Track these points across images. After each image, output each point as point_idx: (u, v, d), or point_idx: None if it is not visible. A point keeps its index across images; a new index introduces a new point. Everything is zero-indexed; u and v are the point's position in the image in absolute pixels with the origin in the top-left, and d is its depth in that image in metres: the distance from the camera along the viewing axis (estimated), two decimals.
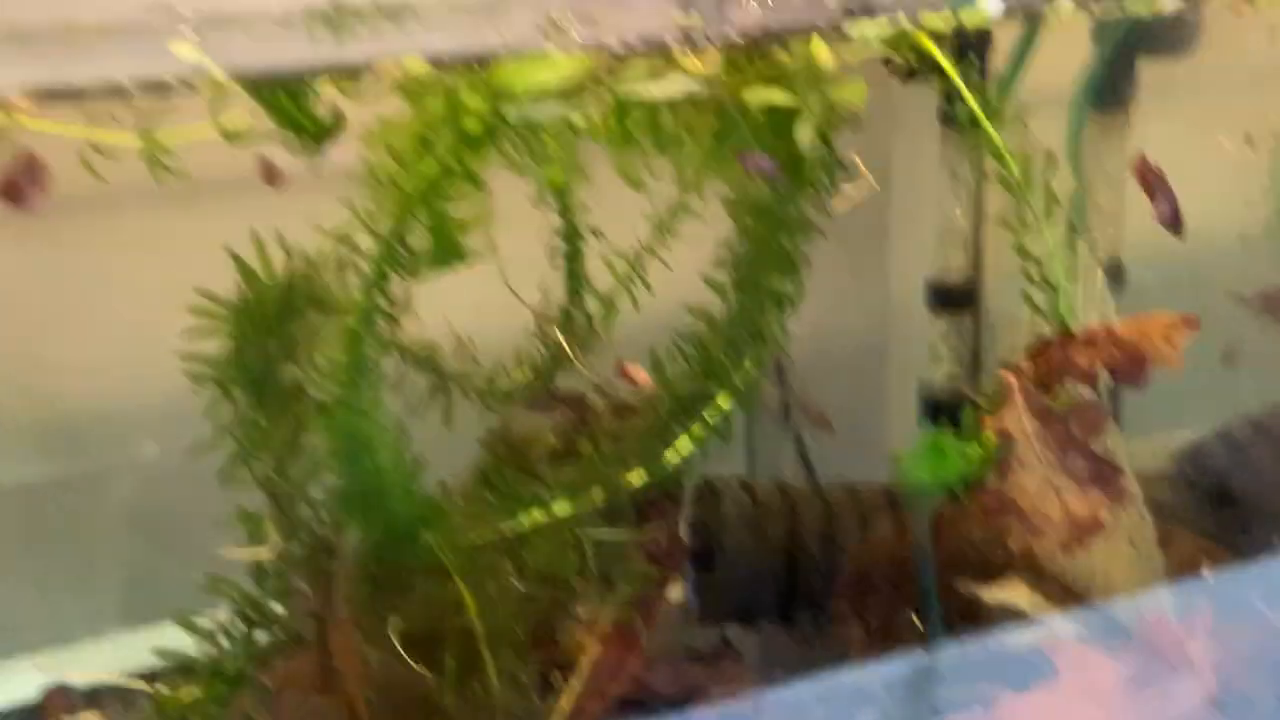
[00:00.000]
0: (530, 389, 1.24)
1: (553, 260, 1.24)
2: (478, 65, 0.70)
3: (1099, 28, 1.14)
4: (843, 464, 1.33)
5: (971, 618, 1.25)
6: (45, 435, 1.35)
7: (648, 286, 1.23)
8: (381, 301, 0.92)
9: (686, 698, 1.12)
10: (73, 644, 1.27)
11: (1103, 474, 0.89)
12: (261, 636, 0.96)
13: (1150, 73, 1.17)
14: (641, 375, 1.17)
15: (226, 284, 1.01)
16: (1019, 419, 0.87)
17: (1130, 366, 0.87)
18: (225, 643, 0.95)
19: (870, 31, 0.74)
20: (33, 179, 0.78)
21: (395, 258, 0.85)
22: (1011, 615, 1.26)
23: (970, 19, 0.76)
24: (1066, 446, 0.88)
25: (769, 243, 1.10)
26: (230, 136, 1.01)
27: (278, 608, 0.95)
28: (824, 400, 1.43)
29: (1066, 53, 1.17)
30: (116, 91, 0.74)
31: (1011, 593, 1.28)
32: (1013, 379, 0.88)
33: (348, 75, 0.77)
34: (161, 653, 0.93)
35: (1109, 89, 1.15)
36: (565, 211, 1.22)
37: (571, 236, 1.23)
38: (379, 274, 0.89)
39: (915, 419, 1.28)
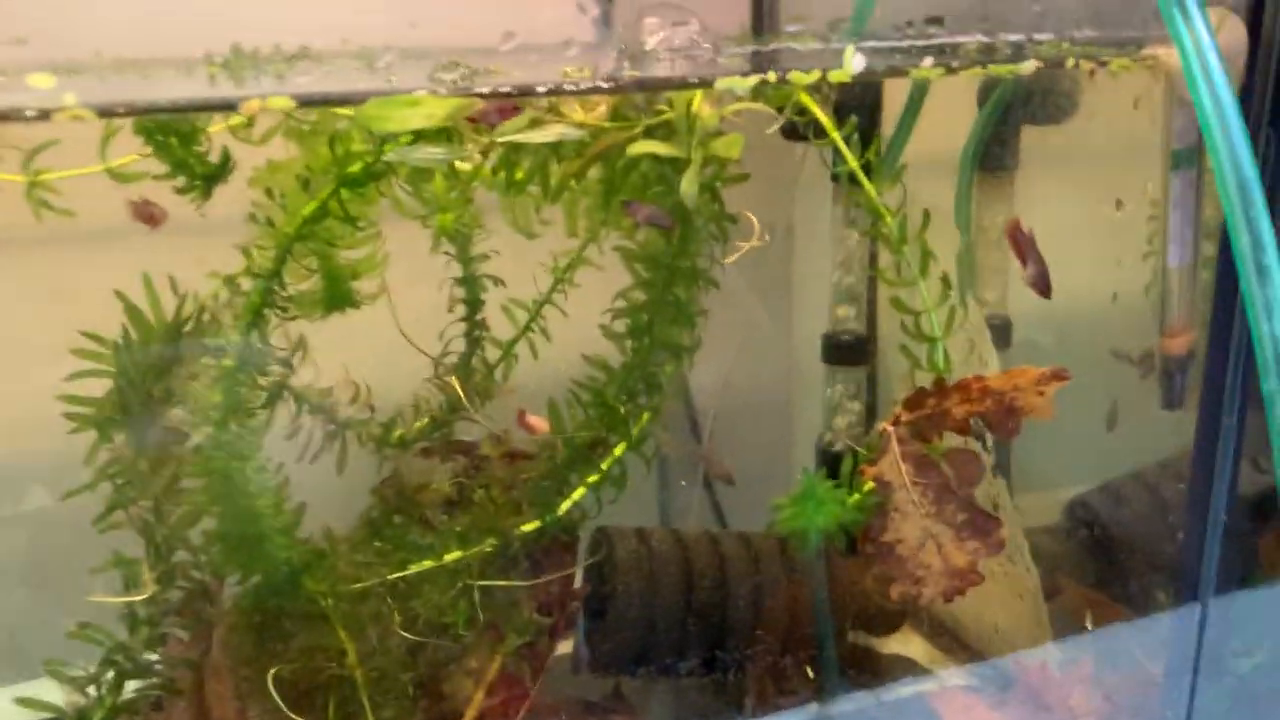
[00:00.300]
0: (425, 437, 1.24)
1: (452, 308, 1.25)
2: (352, 106, 0.71)
3: (983, 93, 1.19)
4: (750, 516, 1.33)
5: (865, 668, 1.26)
6: None
7: (546, 335, 1.24)
8: (259, 344, 0.92)
9: None
10: None
11: (980, 524, 0.90)
12: (133, 686, 0.93)
13: (1031, 138, 1.22)
14: (540, 424, 1.17)
15: (111, 329, 1.00)
16: (896, 467, 0.89)
17: (1003, 418, 0.89)
18: (93, 692, 0.91)
19: (738, 85, 0.76)
20: None
21: (273, 300, 0.84)
22: (904, 666, 1.28)
23: (835, 76, 0.78)
24: (944, 496, 0.90)
25: (664, 294, 1.12)
26: (118, 178, 1.01)
27: (151, 656, 0.92)
28: (732, 452, 1.44)
29: (955, 116, 1.21)
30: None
31: (904, 644, 1.30)
32: (890, 428, 0.89)
33: (221, 109, 0.76)
34: (24, 702, 0.90)
35: (993, 152, 1.20)
36: (464, 259, 1.23)
37: (470, 284, 1.23)
38: (254, 315, 0.89)
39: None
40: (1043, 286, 0.96)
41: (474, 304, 1.24)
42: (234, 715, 0.93)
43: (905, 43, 0.87)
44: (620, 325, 1.15)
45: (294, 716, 0.93)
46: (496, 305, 1.25)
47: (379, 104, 0.67)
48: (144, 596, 0.92)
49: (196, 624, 0.94)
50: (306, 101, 0.71)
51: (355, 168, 0.78)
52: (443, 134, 0.75)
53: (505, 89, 0.71)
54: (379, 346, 1.22)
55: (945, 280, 0.91)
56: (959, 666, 1.23)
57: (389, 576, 1.00)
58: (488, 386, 1.25)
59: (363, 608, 0.98)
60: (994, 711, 1.02)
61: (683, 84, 0.78)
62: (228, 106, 0.72)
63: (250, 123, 0.97)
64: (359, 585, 0.98)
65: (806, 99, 0.92)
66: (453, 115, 0.70)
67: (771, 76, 0.78)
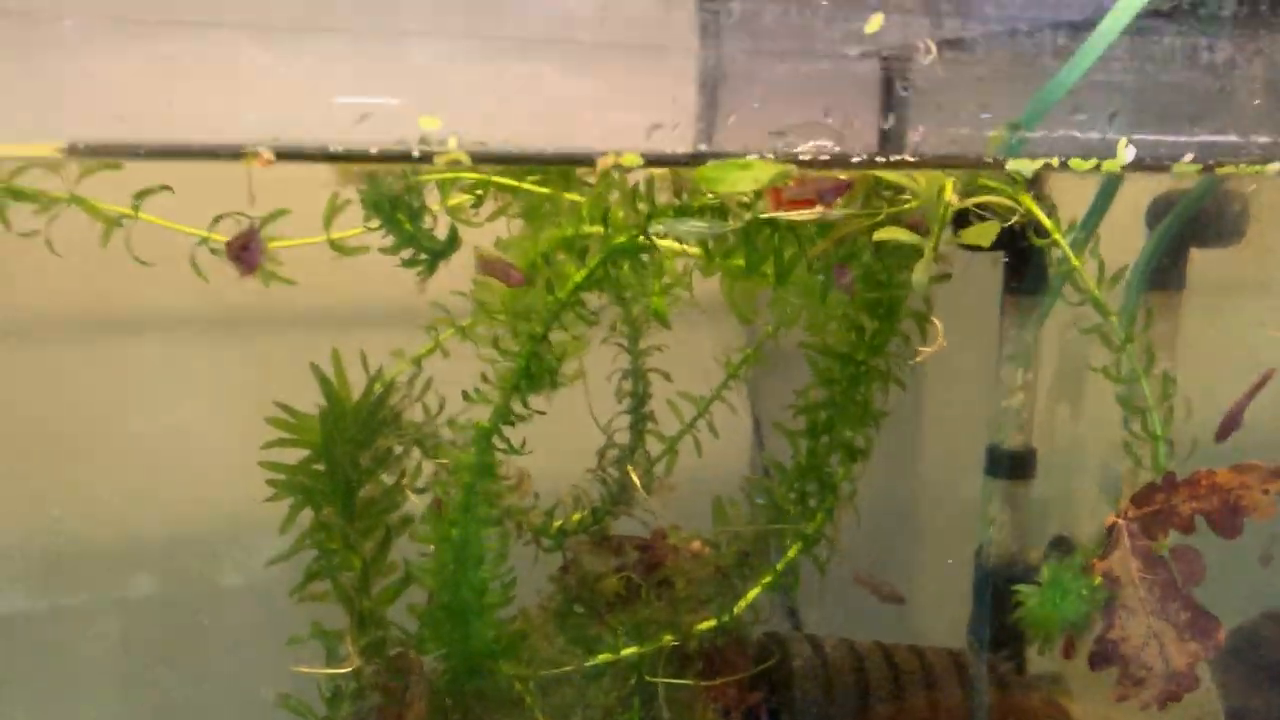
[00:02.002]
0: (584, 528, 1.22)
1: (619, 399, 1.25)
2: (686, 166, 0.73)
3: (1153, 212, 1.22)
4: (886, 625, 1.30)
5: None
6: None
7: (714, 432, 1.24)
8: (498, 433, 0.91)
9: None
10: None
11: (1201, 624, 0.88)
12: None
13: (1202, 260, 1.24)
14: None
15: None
16: (1125, 562, 0.88)
17: (1227, 516, 0.88)
18: None
19: (1026, 167, 0.79)
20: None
21: (529, 375, 0.85)
22: None
23: (1108, 165, 0.81)
24: (1169, 594, 0.88)
25: (849, 392, 1.12)
26: (340, 250, 1.03)
27: None
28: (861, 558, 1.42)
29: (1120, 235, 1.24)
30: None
31: None
32: (1121, 522, 0.88)
33: (571, 162, 0.78)
34: None
35: (1162, 271, 1.22)
36: (634, 351, 1.24)
37: (638, 376, 1.24)
38: (503, 400, 0.89)
39: (969, 584, 1.27)
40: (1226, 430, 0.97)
41: (641, 397, 1.24)
42: None
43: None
44: (797, 423, 1.16)
45: None
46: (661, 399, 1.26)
47: (716, 167, 0.69)
48: (348, 669, 0.89)
49: (394, 701, 0.91)
50: (653, 161, 0.73)
51: (623, 238, 0.80)
52: (712, 210, 0.77)
53: (824, 157, 0.74)
54: (540, 434, 1.23)
55: (1169, 378, 0.91)
56: None
57: (583, 664, 0.97)
58: (649, 481, 1.25)
59: (557, 694, 0.95)
60: None
61: (976, 164, 0.81)
62: (588, 161, 0.73)
63: (479, 203, 1.00)
64: (554, 671, 0.96)
65: (1028, 199, 0.94)
66: (776, 180, 0.71)
67: (1055, 161, 0.80)
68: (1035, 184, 1.16)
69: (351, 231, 1.00)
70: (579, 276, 0.82)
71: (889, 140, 0.94)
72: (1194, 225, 1.20)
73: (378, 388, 1.00)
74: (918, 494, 1.57)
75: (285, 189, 0.95)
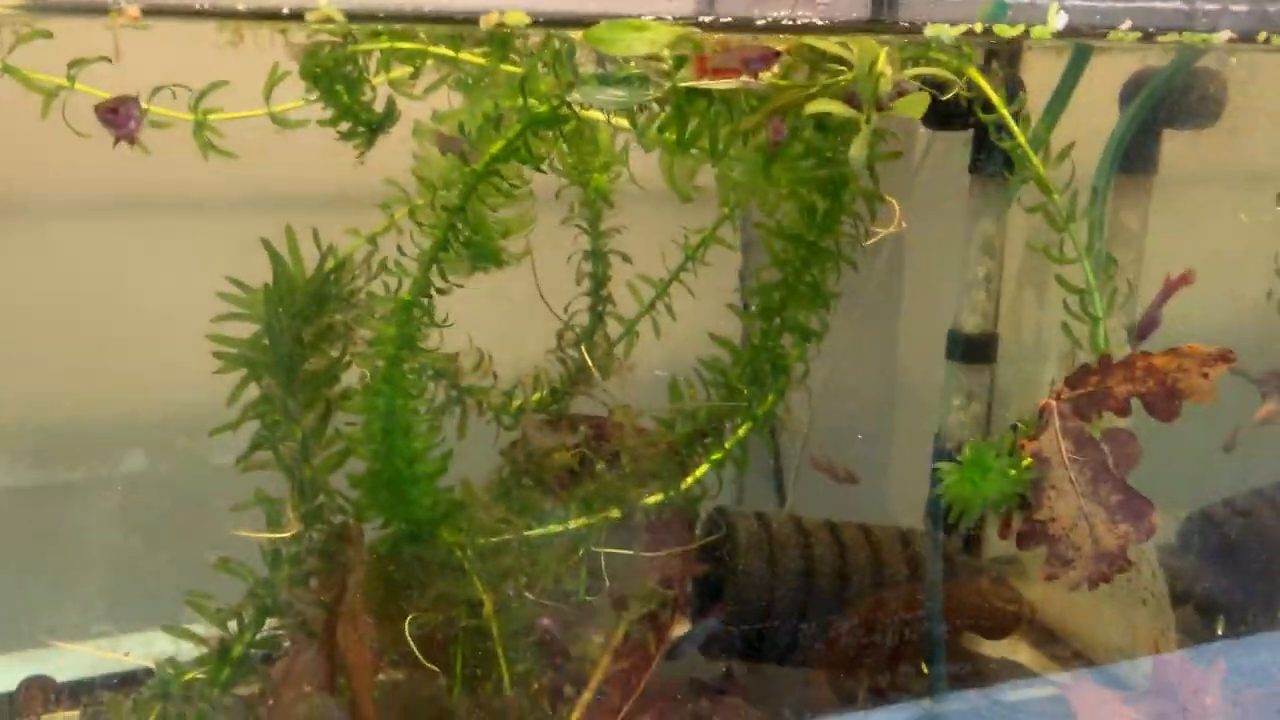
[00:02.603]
0: (544, 408, 1.24)
1: (578, 281, 1.25)
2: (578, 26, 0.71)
3: (1125, 92, 1.18)
4: (849, 505, 1.32)
5: (976, 669, 1.23)
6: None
7: (671, 314, 1.24)
8: (423, 298, 0.92)
9: None
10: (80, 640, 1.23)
11: (1133, 507, 0.89)
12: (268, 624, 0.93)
13: (1173, 143, 1.21)
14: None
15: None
16: (1056, 443, 0.88)
17: (1164, 399, 0.88)
18: (232, 626, 0.91)
19: (945, 33, 0.76)
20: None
21: (449, 246, 0.85)
22: (1014, 671, 1.25)
23: (1037, 33, 0.78)
24: (1100, 476, 0.88)
25: (800, 274, 1.12)
26: (281, 123, 1.03)
27: (288, 594, 0.92)
28: (834, 451, 1.43)
29: (1093, 116, 1.21)
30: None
31: (1012, 651, 1.27)
32: (1052, 403, 0.88)
33: (453, 21, 0.77)
34: (170, 630, 0.90)
35: (1134, 154, 1.19)
36: (594, 233, 1.23)
37: (598, 259, 1.24)
38: (429, 264, 0.89)
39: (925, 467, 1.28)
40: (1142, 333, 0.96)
41: (600, 279, 1.24)
42: (366, 659, 0.92)
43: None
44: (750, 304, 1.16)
45: (428, 664, 0.93)
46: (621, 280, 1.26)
47: (608, 27, 0.67)
48: (287, 535, 0.92)
49: (334, 566, 0.94)
50: (539, 21, 0.72)
51: (543, 109, 0.79)
52: (638, 80, 0.76)
53: (727, 19, 0.72)
54: (501, 316, 1.23)
55: (1112, 260, 0.90)
56: (1077, 670, 1.20)
57: (524, 534, 0.99)
58: (607, 363, 1.25)
59: (497, 563, 0.98)
60: (1128, 705, 1.00)
61: (885, 29, 0.78)
62: (469, 21, 0.72)
63: (415, 74, 0.99)
64: (494, 540, 0.98)
65: (976, 74, 0.92)
66: (675, 44, 0.70)
67: (977, 27, 0.78)
68: (1010, 62, 1.14)
69: (292, 104, 1.00)
70: (495, 147, 0.81)
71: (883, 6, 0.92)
72: (1166, 106, 1.17)
73: (328, 265, 1.01)
74: (893, 379, 1.57)
75: (230, 63, 0.94)
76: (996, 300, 1.25)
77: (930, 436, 1.32)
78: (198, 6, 0.68)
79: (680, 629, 1.17)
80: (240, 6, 0.70)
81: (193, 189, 1.26)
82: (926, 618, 1.18)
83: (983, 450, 0.87)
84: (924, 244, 1.47)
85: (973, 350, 1.22)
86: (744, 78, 0.80)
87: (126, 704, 0.90)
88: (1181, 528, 1.31)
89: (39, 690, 1.15)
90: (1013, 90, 0.94)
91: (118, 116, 0.81)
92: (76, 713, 1.14)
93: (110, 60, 0.94)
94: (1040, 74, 1.15)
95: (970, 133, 1.20)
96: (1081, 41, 0.82)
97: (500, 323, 1.20)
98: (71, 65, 0.91)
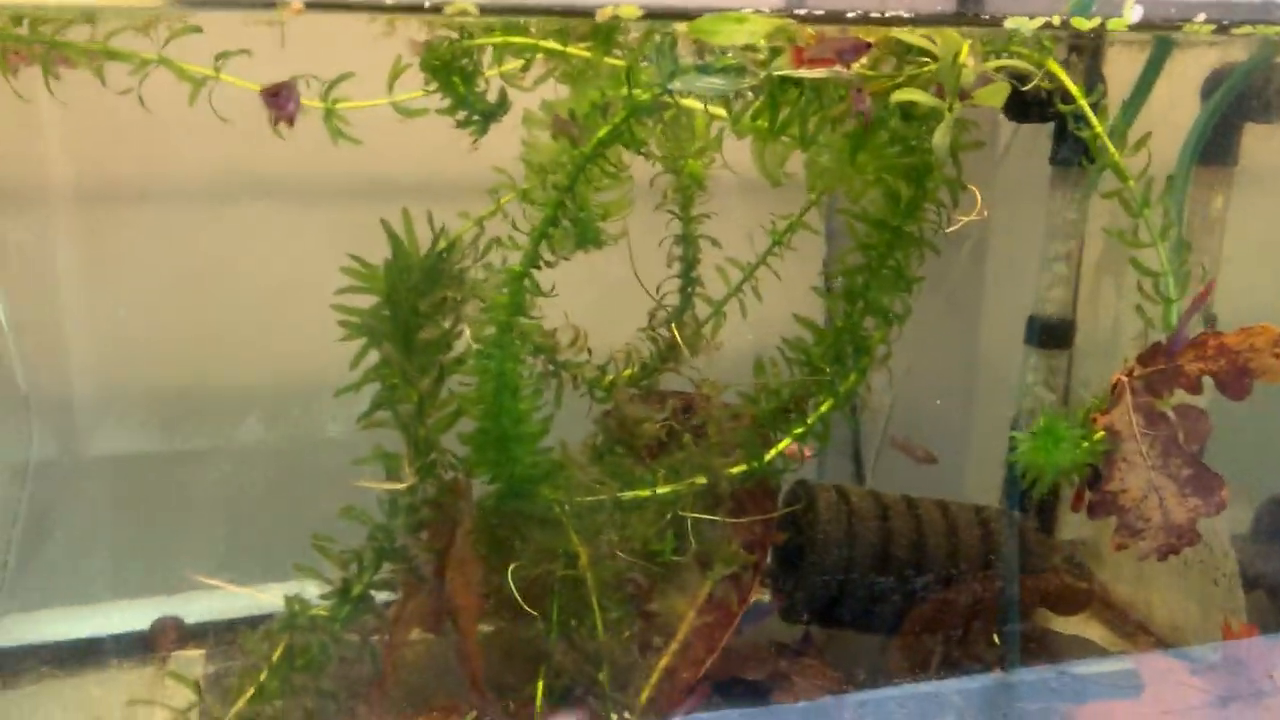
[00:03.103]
0: (634, 384, 1.31)
1: (670, 264, 1.32)
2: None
3: (1207, 86, 1.21)
4: (926, 485, 1.36)
5: (1049, 647, 1.27)
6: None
7: (758, 295, 1.30)
8: (530, 273, 1.00)
9: (771, 685, 1.15)
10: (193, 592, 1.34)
11: (1204, 481, 0.92)
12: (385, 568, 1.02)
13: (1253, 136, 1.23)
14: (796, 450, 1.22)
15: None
16: (1127, 418, 0.92)
17: (1235, 378, 0.91)
18: (352, 568, 1.00)
19: (1024, 25, 0.81)
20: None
21: (558, 223, 0.92)
22: (1086, 647, 1.29)
23: (1114, 24, 0.82)
24: (1171, 450, 0.92)
25: (884, 258, 1.17)
26: (403, 112, 1.11)
27: (404, 541, 1.00)
28: (914, 424, 1.47)
29: (1175, 109, 1.24)
30: None
31: (1083, 628, 1.31)
32: (1124, 379, 0.92)
33: (571, 14, 0.84)
34: (300, 568, 0.99)
35: (1215, 146, 1.21)
36: (685, 217, 1.30)
37: (689, 242, 1.31)
38: (535, 245, 0.96)
39: (1003, 449, 1.32)
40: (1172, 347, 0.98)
41: (691, 262, 1.31)
42: (473, 603, 1.00)
43: None
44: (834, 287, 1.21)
45: (528, 610, 1.00)
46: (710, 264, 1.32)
47: (710, 19, 0.74)
48: (403, 487, 1.00)
49: (444, 518, 1.02)
50: (650, 14, 0.79)
51: (646, 97, 0.86)
52: (735, 70, 0.82)
53: (820, 12, 0.78)
54: (597, 296, 1.31)
55: (1186, 245, 0.94)
56: (1148, 647, 1.24)
57: (617, 495, 1.06)
58: (696, 341, 1.32)
59: (591, 520, 1.05)
60: (1197, 680, 1.03)
61: (968, 21, 0.84)
62: (585, 13, 0.79)
63: (526, 67, 1.07)
64: (590, 499, 1.05)
65: (1055, 66, 0.96)
66: (772, 35, 0.76)
67: (1055, 20, 0.82)
68: (1093, 56, 1.17)
69: (413, 94, 1.08)
70: (602, 132, 0.88)
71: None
72: (1246, 100, 1.20)
73: (441, 244, 1.09)
74: (975, 364, 1.61)
75: (354, 56, 1.03)
76: (1075, 287, 1.29)
77: (1007, 420, 1.36)
78: (350, 1, 0.76)
79: (760, 594, 1.23)
80: (387, 0, 0.78)
81: (318, 175, 1.36)
82: (1000, 592, 1.22)
83: (1056, 420, 0.92)
84: (1007, 232, 1.51)
85: (1050, 335, 1.26)
86: (836, 68, 0.86)
87: (256, 635, 0.99)
88: (1256, 513, 1.33)
89: (170, 628, 1.26)
90: (1093, 83, 0.98)
91: (279, 99, 0.90)
92: (203, 651, 1.25)
93: (249, 53, 1.04)
94: (1124, 68, 1.19)
95: (1051, 124, 1.25)
96: (1160, 34, 0.86)
97: (596, 302, 1.28)
98: (218, 57, 1.01)
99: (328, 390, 1.14)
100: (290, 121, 0.93)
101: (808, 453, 1.22)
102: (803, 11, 0.78)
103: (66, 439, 1.42)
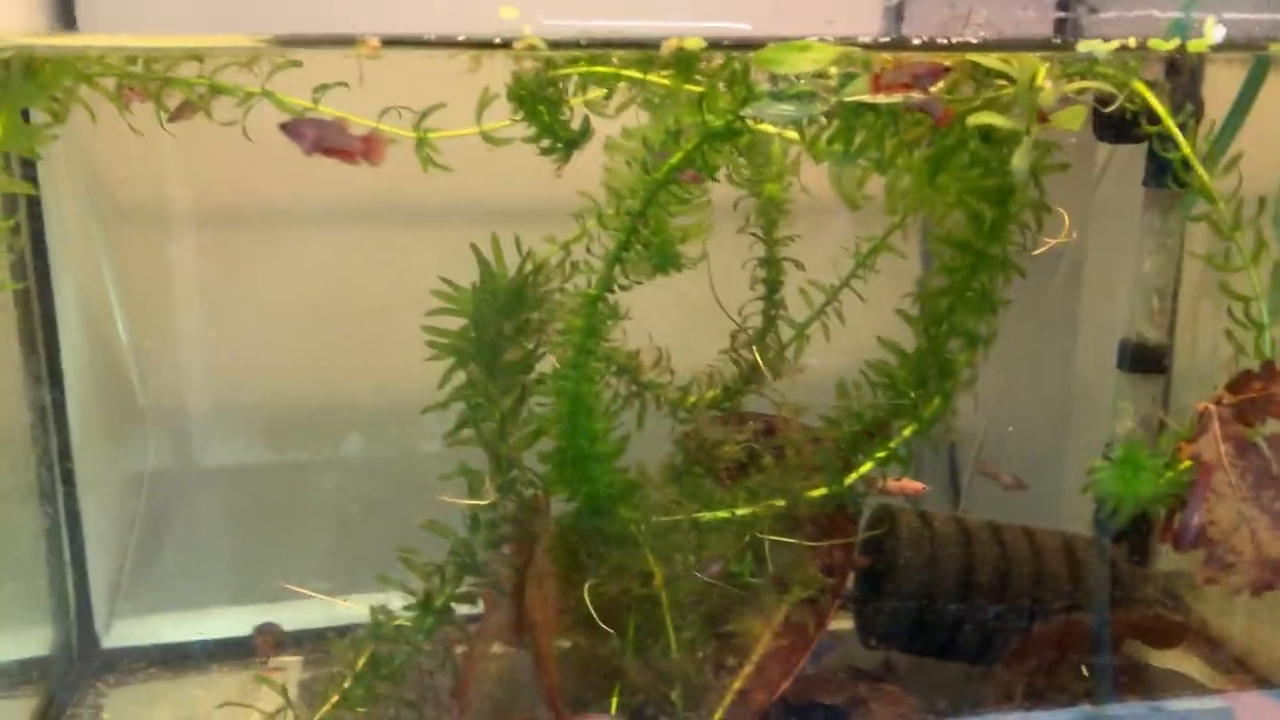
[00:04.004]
0: (717, 405, 1.32)
1: (752, 285, 1.33)
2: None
3: None
4: (1020, 512, 1.34)
5: (1140, 677, 1.23)
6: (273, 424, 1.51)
7: (841, 318, 1.30)
8: (607, 296, 1.02)
9: (848, 711, 1.14)
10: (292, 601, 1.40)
11: None
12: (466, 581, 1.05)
13: None
14: (914, 486, 1.22)
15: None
16: (1215, 447, 0.89)
17: None
18: (436, 580, 1.03)
19: (1099, 49, 0.80)
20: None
21: (631, 247, 0.94)
22: (1181, 682, 1.24)
23: (1194, 46, 0.81)
24: (1263, 481, 0.89)
25: (968, 280, 1.16)
26: (491, 141, 1.15)
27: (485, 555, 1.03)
28: (1004, 449, 1.45)
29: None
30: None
31: (1186, 661, 1.26)
32: (1212, 408, 0.90)
33: (637, 46, 0.86)
34: (384, 580, 1.02)
35: None
36: (768, 240, 1.31)
37: (772, 264, 1.31)
38: (609, 269, 0.99)
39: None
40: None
41: (774, 284, 1.32)
42: (550, 619, 1.03)
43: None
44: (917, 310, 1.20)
45: (604, 626, 1.02)
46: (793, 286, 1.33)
47: (775, 49, 0.75)
48: (485, 503, 1.03)
49: (524, 535, 1.05)
50: (714, 45, 0.80)
51: (719, 123, 0.87)
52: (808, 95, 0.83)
53: (885, 39, 0.79)
54: (680, 319, 1.32)
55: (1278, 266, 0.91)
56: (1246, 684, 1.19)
57: (695, 515, 1.07)
58: (778, 364, 1.33)
59: (668, 540, 1.06)
60: None
61: (1044, 46, 0.83)
62: (651, 45, 0.82)
63: (608, 95, 1.09)
64: (667, 519, 1.07)
65: (1141, 87, 0.95)
66: (837, 62, 0.77)
67: (1131, 42, 0.81)
68: (1193, 80, 1.14)
69: (500, 123, 1.12)
70: (675, 158, 0.90)
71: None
72: None
73: (527, 268, 1.12)
74: (1069, 389, 1.57)
75: (441, 86, 1.07)
76: (1171, 311, 1.25)
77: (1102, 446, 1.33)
78: (425, 39, 0.80)
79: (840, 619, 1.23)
80: (460, 37, 0.81)
81: (412, 201, 1.41)
82: (1091, 622, 1.19)
83: (1135, 449, 0.89)
84: (1103, 255, 1.47)
85: (1144, 360, 1.22)
86: (913, 92, 0.86)
87: (344, 643, 1.03)
88: None
89: (269, 635, 1.32)
90: (1184, 103, 0.96)
91: (297, 132, 0.94)
92: (300, 658, 1.30)
93: (347, 86, 1.09)
94: (1225, 88, 1.16)
95: (1144, 145, 1.22)
96: (1253, 53, 0.83)
97: (679, 325, 1.30)
98: (316, 90, 1.06)
99: (419, 409, 1.18)
100: (312, 153, 0.96)
101: (921, 487, 1.21)
102: (890, 39, 0.79)
103: (182, 451, 1.50)
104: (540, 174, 1.12)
